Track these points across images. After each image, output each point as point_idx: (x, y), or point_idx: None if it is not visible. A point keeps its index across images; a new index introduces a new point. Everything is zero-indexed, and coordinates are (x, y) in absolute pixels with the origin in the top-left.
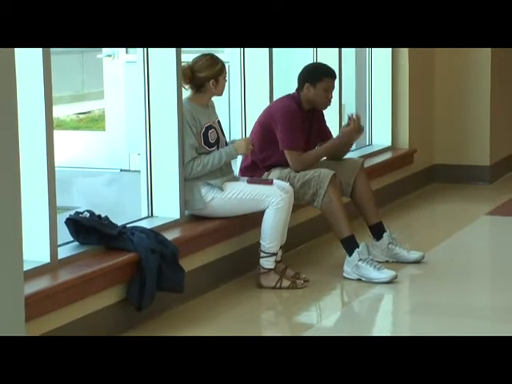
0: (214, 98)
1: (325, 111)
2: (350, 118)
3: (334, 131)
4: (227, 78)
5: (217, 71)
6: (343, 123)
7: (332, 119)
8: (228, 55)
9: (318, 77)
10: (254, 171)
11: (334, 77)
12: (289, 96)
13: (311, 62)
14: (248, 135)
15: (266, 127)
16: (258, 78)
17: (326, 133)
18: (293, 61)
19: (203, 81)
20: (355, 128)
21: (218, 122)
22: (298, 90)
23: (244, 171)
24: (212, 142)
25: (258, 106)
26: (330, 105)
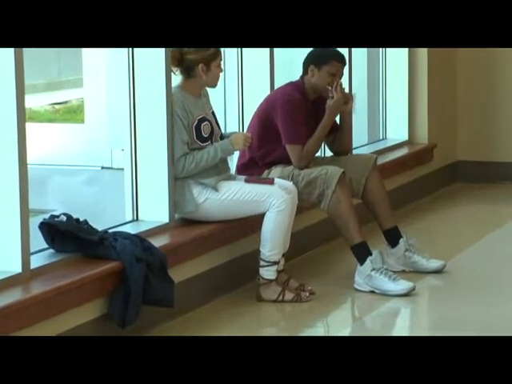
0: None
1: None
2: (329, 90)
3: None
4: (223, 67)
5: (208, 56)
6: (353, 114)
7: None
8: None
9: (324, 58)
10: (253, 169)
11: (344, 62)
12: (292, 83)
13: None
14: (246, 128)
15: (265, 119)
16: (257, 65)
17: (333, 126)
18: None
19: (192, 64)
20: (339, 97)
21: (213, 113)
22: (302, 76)
23: (241, 169)
24: (205, 136)
25: (257, 95)
26: (333, 92)
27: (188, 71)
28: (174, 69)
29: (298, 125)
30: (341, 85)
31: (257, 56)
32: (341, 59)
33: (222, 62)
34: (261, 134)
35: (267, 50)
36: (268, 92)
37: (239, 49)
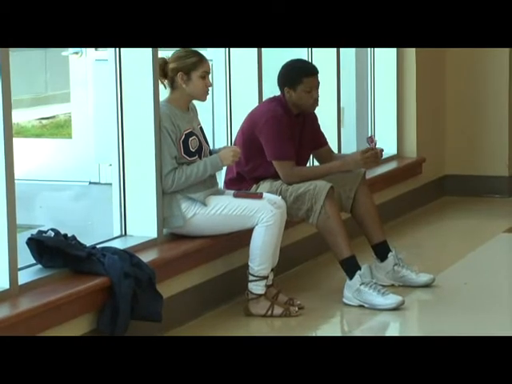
0: (196, 102)
1: (320, 116)
2: (370, 141)
3: (332, 138)
4: (211, 81)
5: (188, 65)
6: (341, 128)
7: (329, 125)
8: (211, 53)
9: (295, 79)
10: (241, 184)
11: (315, 73)
12: (274, 99)
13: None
14: (233, 143)
15: (249, 135)
16: (245, 78)
17: (320, 140)
18: (284, 58)
19: (172, 74)
20: (374, 155)
21: (201, 128)
22: (281, 92)
23: (229, 184)
24: (193, 150)
25: (245, 109)
26: (317, 105)
27: (171, 82)
28: (162, 80)
29: (284, 140)
30: (381, 151)
31: (245, 69)
32: (312, 72)
33: (209, 76)
34: (246, 150)
35: (255, 63)
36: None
37: (227, 62)
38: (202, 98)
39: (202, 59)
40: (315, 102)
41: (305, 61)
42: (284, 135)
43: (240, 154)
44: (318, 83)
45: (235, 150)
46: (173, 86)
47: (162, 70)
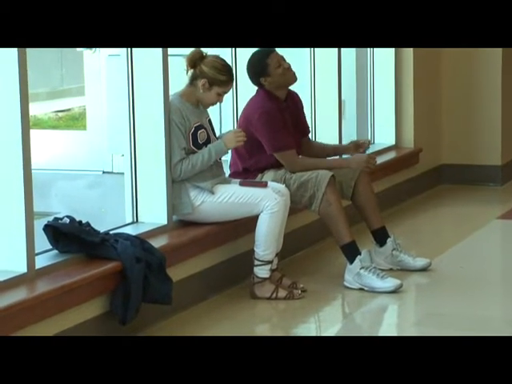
0: None
1: (322, 108)
2: (362, 145)
3: (333, 130)
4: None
5: (217, 80)
6: (342, 120)
7: (331, 117)
8: (218, 51)
9: (262, 65)
10: (246, 175)
11: (272, 50)
12: (259, 92)
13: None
14: None
15: (247, 132)
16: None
17: (305, 126)
18: (288, 57)
19: (199, 74)
20: (364, 165)
21: (209, 121)
22: (261, 87)
23: (235, 176)
24: (201, 142)
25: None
26: (294, 74)
27: (193, 78)
28: (187, 69)
29: (280, 131)
30: (374, 161)
31: None
32: (268, 52)
33: (225, 95)
34: (247, 145)
35: None
36: None
37: (234, 61)
38: (206, 107)
39: (230, 80)
40: (289, 72)
41: (257, 50)
42: (278, 126)
43: (245, 136)
44: (280, 56)
45: (237, 132)
46: (192, 82)
47: (193, 61)
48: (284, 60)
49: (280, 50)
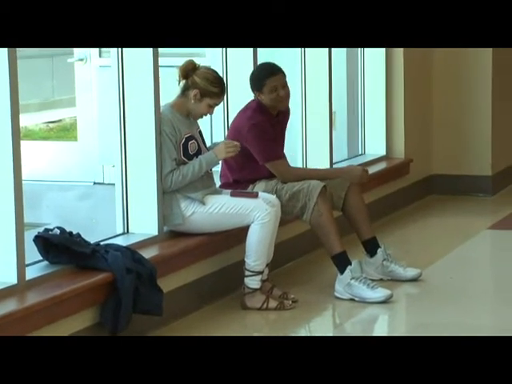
0: None
1: (312, 119)
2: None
3: (324, 141)
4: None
5: (209, 91)
6: (333, 131)
7: (321, 128)
8: (209, 59)
9: (260, 82)
10: (237, 186)
11: (275, 73)
12: (251, 104)
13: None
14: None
15: None
16: (241, 84)
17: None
18: (278, 59)
19: (191, 85)
20: (359, 176)
21: (200, 132)
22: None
23: (225, 188)
24: (192, 153)
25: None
26: (287, 100)
27: (185, 89)
28: (180, 79)
29: (270, 142)
30: (367, 174)
31: (241, 74)
32: (273, 72)
33: (216, 107)
34: (237, 157)
35: (251, 68)
36: None
37: (224, 68)
38: (196, 119)
39: (222, 93)
40: (283, 99)
41: (268, 63)
42: (268, 138)
43: (238, 147)
44: (282, 81)
45: (228, 143)
46: (183, 92)
47: (185, 71)
48: (284, 87)
49: (270, 51)
